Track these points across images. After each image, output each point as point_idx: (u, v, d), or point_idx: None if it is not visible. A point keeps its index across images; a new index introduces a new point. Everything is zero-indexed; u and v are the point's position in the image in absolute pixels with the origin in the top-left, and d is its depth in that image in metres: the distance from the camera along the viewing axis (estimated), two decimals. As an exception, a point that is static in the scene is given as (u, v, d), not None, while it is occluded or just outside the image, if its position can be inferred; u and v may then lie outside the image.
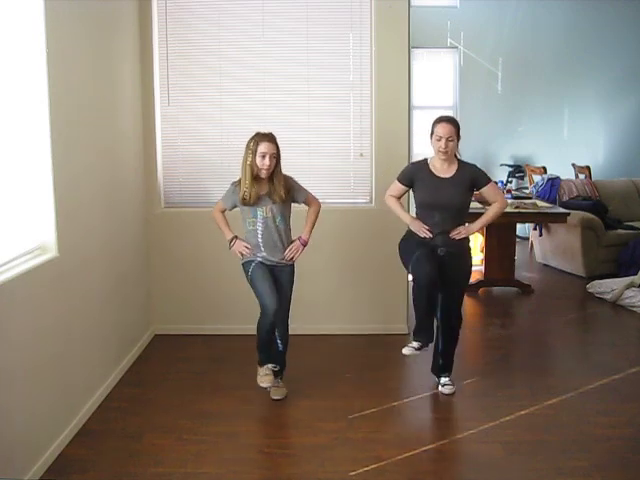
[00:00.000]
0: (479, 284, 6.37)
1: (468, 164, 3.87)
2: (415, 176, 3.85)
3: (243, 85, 4.93)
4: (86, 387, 3.70)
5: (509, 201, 6.24)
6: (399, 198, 3.97)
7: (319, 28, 4.88)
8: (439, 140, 3.70)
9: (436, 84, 8.97)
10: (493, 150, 8.95)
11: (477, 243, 7.08)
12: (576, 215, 6.60)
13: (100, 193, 3.92)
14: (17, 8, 3.06)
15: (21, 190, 3.18)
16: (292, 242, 3.85)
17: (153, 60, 4.83)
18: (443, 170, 3.79)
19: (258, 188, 3.71)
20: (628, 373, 4.26)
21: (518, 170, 8.82)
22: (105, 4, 4.06)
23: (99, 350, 3.90)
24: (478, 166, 3.89)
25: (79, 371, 3.58)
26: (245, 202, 3.71)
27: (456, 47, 8.78)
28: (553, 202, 7.06)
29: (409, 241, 3.87)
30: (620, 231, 6.89)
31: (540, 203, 6.65)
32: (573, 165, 8.46)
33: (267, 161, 3.64)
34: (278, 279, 3.81)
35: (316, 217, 3.91)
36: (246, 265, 3.80)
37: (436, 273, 3.69)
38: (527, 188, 8.36)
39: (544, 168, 8.22)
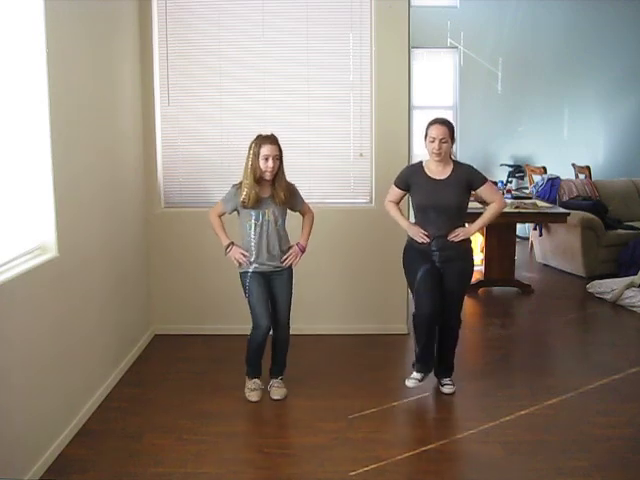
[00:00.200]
0: (479, 284, 6.37)
1: (463, 165, 3.87)
2: (411, 179, 3.86)
3: (243, 85, 4.93)
4: (86, 387, 3.69)
5: (509, 201, 6.25)
6: (399, 202, 3.98)
7: (319, 28, 4.88)
8: (432, 142, 3.71)
9: (436, 84, 8.97)
10: (493, 150, 8.95)
11: (477, 243, 7.07)
12: (576, 215, 6.60)
13: (100, 193, 3.92)
14: (17, 8, 3.06)
15: (21, 190, 3.18)
16: (290, 247, 3.87)
17: (153, 60, 4.83)
18: (438, 172, 3.79)
19: (260, 191, 3.72)
20: (628, 373, 4.26)
21: (518, 170, 8.82)
22: (105, 4, 4.06)
23: (99, 350, 3.90)
24: (474, 167, 3.89)
25: (79, 371, 3.58)
26: (245, 205, 3.71)
27: (456, 47, 8.78)
28: (553, 202, 7.06)
29: (410, 253, 3.88)
30: (620, 231, 6.89)
31: (540, 203, 6.64)
32: (573, 165, 8.46)
33: (270, 163, 3.65)
34: (276, 285, 3.82)
35: (312, 226, 3.95)
36: (243, 276, 3.81)
37: (439, 306, 3.74)
38: (527, 188, 8.36)
39: (544, 168, 8.22)
